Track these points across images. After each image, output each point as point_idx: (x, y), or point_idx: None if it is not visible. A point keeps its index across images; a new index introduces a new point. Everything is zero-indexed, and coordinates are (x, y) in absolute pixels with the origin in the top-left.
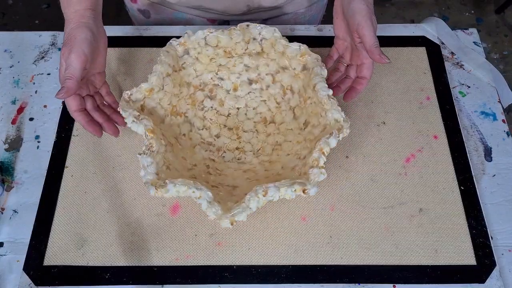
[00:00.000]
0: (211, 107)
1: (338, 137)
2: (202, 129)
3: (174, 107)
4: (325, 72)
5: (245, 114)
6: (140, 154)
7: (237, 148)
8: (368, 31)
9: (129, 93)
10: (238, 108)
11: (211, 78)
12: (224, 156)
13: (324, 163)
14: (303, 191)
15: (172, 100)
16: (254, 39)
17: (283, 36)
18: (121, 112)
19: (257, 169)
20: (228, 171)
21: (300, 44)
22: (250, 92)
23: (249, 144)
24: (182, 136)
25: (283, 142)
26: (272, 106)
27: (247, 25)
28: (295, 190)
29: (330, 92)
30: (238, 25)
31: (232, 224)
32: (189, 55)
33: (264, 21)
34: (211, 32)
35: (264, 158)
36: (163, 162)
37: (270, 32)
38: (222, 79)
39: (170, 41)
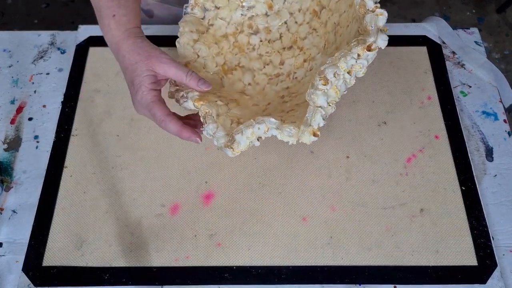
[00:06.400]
0: (261, 41)
1: None
2: (264, 67)
3: (224, 65)
4: None
5: (295, 22)
6: (202, 127)
7: (304, 60)
8: None
9: (173, 80)
10: (285, 23)
11: (241, 15)
12: (296, 77)
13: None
14: (368, 48)
15: (218, 60)
16: None
17: None
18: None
19: None
20: (304, 88)
21: None
22: (285, 0)
23: (314, 48)
24: (248, 86)
25: (338, 19)
26: None
27: None
28: (358, 54)
29: None
30: None
31: (315, 135)
32: (208, 10)
33: None
34: None
35: (331, 49)
36: (230, 121)
37: None
38: (251, 7)
39: (184, 9)
